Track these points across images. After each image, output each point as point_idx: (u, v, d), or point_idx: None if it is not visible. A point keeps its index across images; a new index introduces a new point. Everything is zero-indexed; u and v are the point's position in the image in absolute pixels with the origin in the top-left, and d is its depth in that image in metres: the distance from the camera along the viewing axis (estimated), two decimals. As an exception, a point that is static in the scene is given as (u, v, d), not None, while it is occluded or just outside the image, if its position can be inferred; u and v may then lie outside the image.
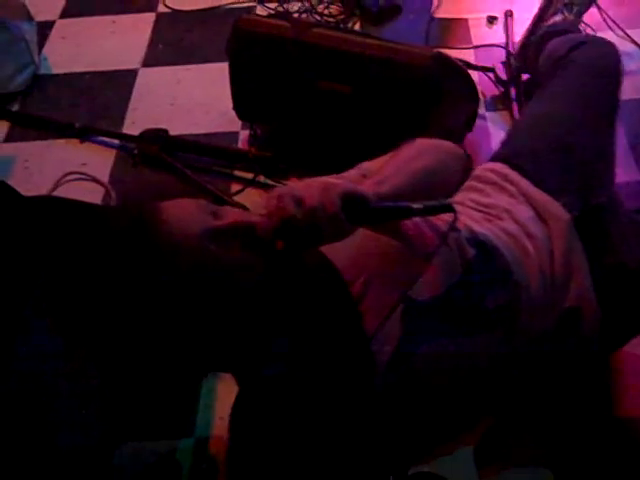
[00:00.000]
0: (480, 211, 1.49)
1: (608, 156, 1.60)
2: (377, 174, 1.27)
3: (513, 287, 1.34)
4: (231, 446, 1.26)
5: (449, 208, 1.18)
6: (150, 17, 2.82)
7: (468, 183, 1.56)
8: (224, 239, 1.14)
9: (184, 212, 1.16)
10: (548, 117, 1.64)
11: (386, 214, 1.17)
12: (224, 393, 1.71)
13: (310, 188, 1.12)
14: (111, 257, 1.15)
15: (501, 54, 2.37)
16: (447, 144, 1.41)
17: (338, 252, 1.27)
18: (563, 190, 1.48)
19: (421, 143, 1.37)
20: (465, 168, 1.47)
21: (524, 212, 1.47)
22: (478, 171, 1.60)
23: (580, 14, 2.21)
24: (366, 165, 1.44)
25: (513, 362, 1.38)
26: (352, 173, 1.43)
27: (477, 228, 1.40)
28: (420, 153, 1.34)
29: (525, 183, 1.52)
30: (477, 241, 1.36)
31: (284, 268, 1.18)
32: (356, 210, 1.12)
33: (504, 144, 1.71)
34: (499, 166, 1.58)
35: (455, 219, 1.20)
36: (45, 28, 2.79)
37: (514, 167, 1.56)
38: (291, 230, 1.10)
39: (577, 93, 1.65)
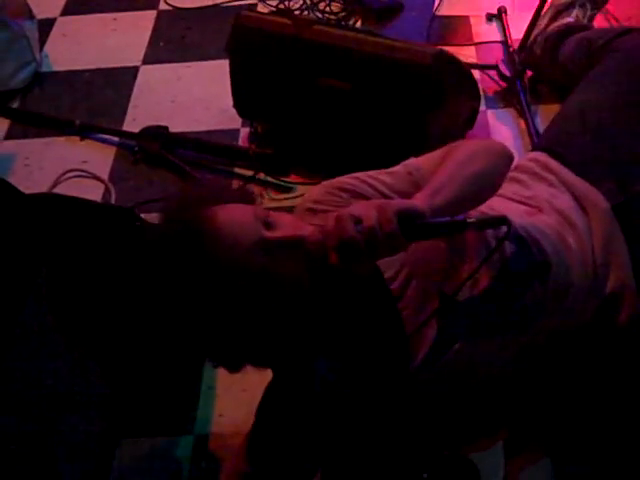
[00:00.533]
0: (521, 202, 1.49)
1: None
2: (430, 184, 1.23)
3: (552, 281, 1.34)
4: (255, 428, 1.32)
5: (503, 221, 1.17)
6: (151, 15, 2.81)
7: (509, 174, 1.53)
8: (274, 251, 1.16)
9: (238, 220, 1.18)
10: (589, 105, 1.63)
11: (441, 229, 1.16)
12: (224, 391, 1.72)
13: (367, 208, 1.12)
14: (149, 260, 1.18)
15: (502, 50, 2.37)
16: (496, 145, 1.38)
17: None
18: (603, 178, 1.48)
19: (472, 145, 1.35)
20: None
21: (565, 202, 1.47)
22: (520, 161, 1.60)
23: (592, 19, 2.21)
24: (414, 163, 1.41)
25: (546, 356, 1.38)
26: (399, 170, 1.41)
27: (518, 222, 1.38)
28: (472, 157, 1.30)
29: (565, 171, 1.52)
30: (517, 236, 1.36)
31: (334, 280, 1.20)
32: (412, 226, 1.12)
33: (546, 133, 1.72)
34: (539, 155, 1.59)
35: (508, 232, 1.18)
36: (46, 26, 2.79)
37: (555, 155, 1.56)
38: (350, 250, 1.10)
39: (620, 81, 1.64)
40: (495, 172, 1.31)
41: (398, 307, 1.28)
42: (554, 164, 1.54)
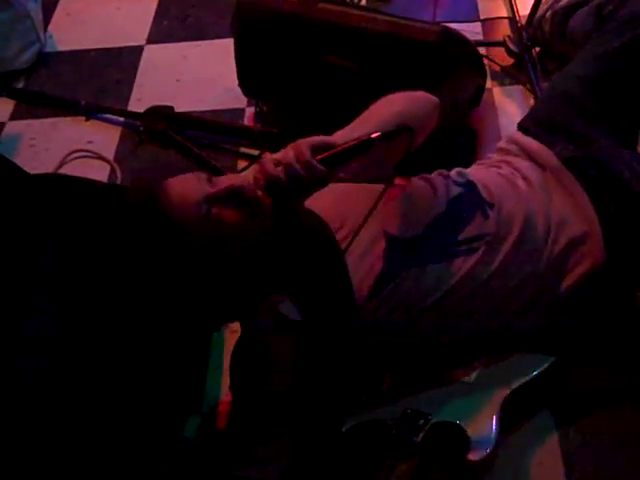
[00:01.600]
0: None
1: (615, 117, 1.63)
2: (350, 125, 1.38)
3: (497, 217, 1.44)
4: (231, 385, 1.41)
5: (407, 129, 1.30)
6: (155, -7, 2.80)
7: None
8: (221, 202, 1.29)
9: (185, 184, 1.32)
10: (563, 76, 1.72)
11: (352, 150, 1.26)
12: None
13: (285, 149, 1.27)
14: (123, 229, 1.34)
15: (509, 27, 2.36)
16: (417, 92, 1.50)
17: (324, 207, 1.44)
18: (559, 141, 1.58)
19: (391, 95, 1.47)
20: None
21: (522, 164, 1.58)
22: None
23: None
24: None
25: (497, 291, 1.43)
26: None
27: (471, 172, 1.55)
28: (389, 102, 1.45)
29: (526, 139, 1.63)
30: (467, 181, 1.51)
31: (278, 221, 1.32)
32: (327, 155, 1.25)
33: None
34: (512, 132, 1.70)
35: (411, 136, 1.31)
36: (50, 5, 2.78)
37: (521, 128, 1.68)
38: (277, 187, 1.25)
39: (603, 51, 1.67)
40: (416, 113, 1.43)
41: (344, 251, 1.39)
42: (518, 136, 1.65)
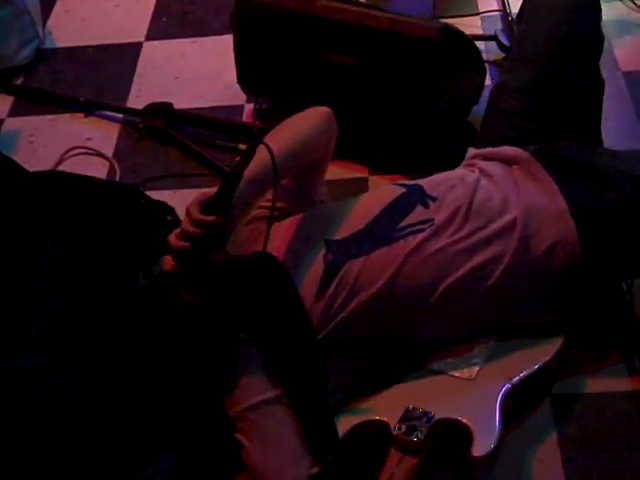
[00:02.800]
0: None
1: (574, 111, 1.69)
2: None
3: (439, 205, 1.48)
4: None
5: (257, 141, 1.38)
6: (153, -10, 2.79)
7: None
8: (166, 288, 1.40)
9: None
10: (500, 91, 1.78)
11: (226, 187, 1.32)
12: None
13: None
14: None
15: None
16: (309, 110, 1.61)
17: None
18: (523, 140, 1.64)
19: (278, 125, 1.56)
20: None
21: (483, 163, 1.61)
22: None
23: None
24: None
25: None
26: None
27: (423, 179, 1.59)
28: (280, 128, 1.54)
29: (487, 148, 1.66)
30: (414, 183, 1.57)
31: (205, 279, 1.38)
32: (214, 205, 1.31)
33: None
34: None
35: (258, 140, 1.39)
36: (48, 1, 2.78)
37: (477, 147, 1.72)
38: (183, 255, 1.32)
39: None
40: (312, 129, 1.56)
41: (285, 264, 1.46)
42: (479, 150, 1.68)
